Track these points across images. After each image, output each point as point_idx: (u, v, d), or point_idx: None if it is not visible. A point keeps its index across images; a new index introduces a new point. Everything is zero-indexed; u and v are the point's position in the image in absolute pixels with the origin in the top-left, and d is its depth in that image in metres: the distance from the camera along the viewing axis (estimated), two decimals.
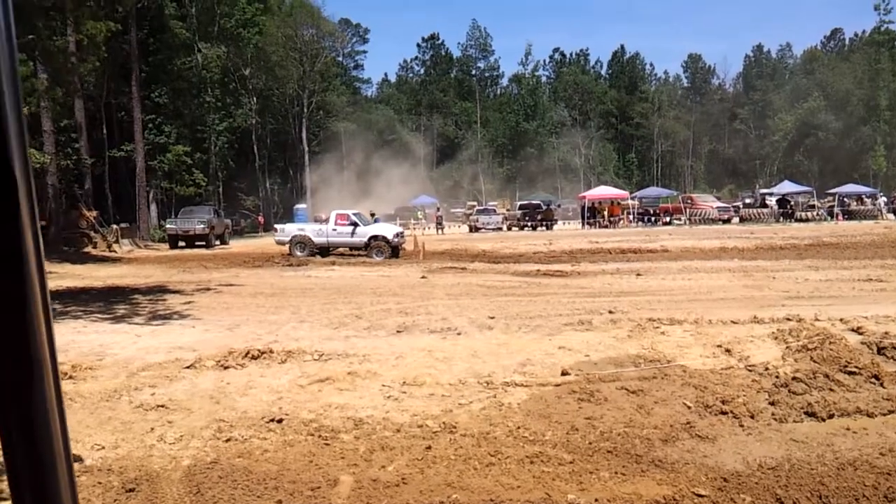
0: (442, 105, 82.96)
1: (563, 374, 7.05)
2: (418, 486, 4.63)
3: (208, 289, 15.45)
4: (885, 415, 6.01)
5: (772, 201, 45.90)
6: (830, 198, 47.15)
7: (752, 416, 5.90)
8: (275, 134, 64.96)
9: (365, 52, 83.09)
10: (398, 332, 9.59)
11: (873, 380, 6.75)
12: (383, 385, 6.87)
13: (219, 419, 5.98)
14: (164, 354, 8.42)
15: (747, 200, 50.87)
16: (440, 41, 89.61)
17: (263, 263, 22.06)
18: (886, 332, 8.43)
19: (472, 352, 8.10)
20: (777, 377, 6.80)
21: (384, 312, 11.24)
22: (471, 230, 39.80)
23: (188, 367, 7.69)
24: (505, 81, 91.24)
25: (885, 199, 48.75)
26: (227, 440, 5.51)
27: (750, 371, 7.11)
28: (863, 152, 68.90)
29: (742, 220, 42.38)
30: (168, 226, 33.97)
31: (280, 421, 5.90)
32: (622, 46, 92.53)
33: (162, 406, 6.35)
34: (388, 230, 24.68)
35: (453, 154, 77.72)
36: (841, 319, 9.35)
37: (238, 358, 7.88)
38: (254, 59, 54.38)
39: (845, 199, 46.67)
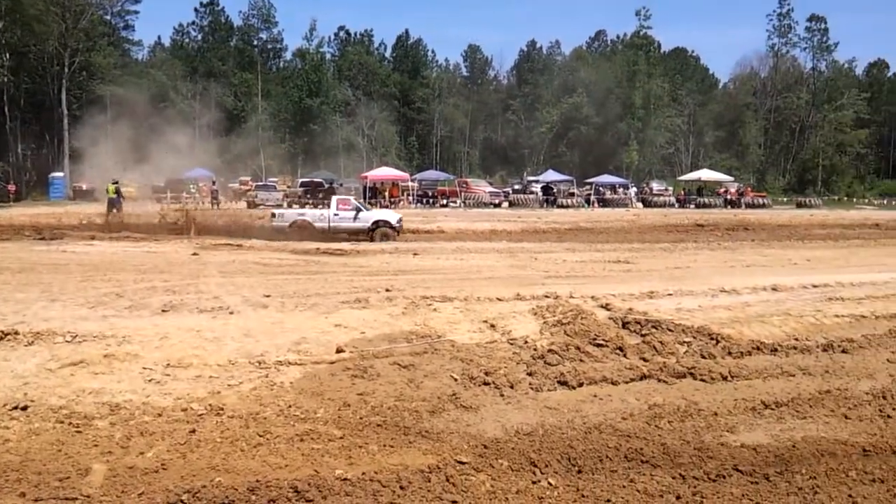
0: (221, 74, 79.12)
1: (338, 351, 7.07)
2: (179, 472, 4.43)
3: None
4: (627, 382, 6.66)
5: (537, 188, 49.11)
6: (588, 187, 51.40)
7: (512, 387, 6.29)
8: (30, 94, 58.33)
9: (137, 12, 76.71)
10: (164, 311, 9.02)
11: (618, 351, 7.45)
12: (145, 368, 6.45)
13: None
14: None
15: (516, 187, 53.97)
16: (220, 7, 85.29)
17: (12, 236, 19.82)
18: (630, 309, 9.33)
19: (244, 331, 7.85)
20: (535, 350, 7.29)
21: (149, 291, 10.52)
22: (249, 206, 38.47)
23: None
24: (289, 55, 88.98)
25: (635, 189, 54.14)
26: None
27: (511, 344, 7.56)
28: (618, 146, 75.59)
29: (511, 204, 44.86)
30: None
31: (25, 408, 5.36)
32: (406, 31, 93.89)
33: None
34: (391, 216, 23.75)
35: (233, 127, 74.50)
36: (592, 297, 10.18)
37: None
38: (8, 12, 48.35)
39: (601, 189, 51.11)
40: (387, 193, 42.57)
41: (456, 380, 6.33)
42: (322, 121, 75.14)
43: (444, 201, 45.46)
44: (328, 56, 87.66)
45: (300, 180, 48.33)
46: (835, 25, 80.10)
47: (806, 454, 5.13)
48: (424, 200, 45.09)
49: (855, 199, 63.83)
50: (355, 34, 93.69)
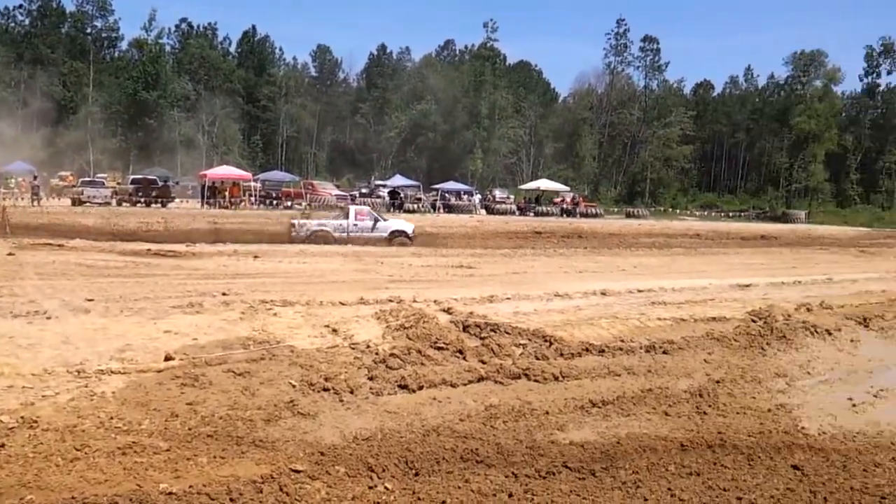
0: (49, 62, 73.38)
1: (167, 358, 6.69)
2: None
3: None
4: (465, 384, 6.76)
5: (384, 192, 49.25)
6: (435, 192, 52.21)
7: (352, 392, 6.22)
8: None
9: None
10: None
11: (458, 354, 7.57)
12: None
13: None
14: None
15: (363, 190, 53.89)
16: None
17: None
18: (471, 312, 9.52)
19: (63, 338, 7.27)
20: (377, 354, 7.25)
21: None
22: (74, 203, 35.80)
23: None
24: (125, 45, 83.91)
25: (479, 196, 55.53)
26: None
27: (353, 349, 7.49)
28: (464, 154, 77.22)
29: None
30: None
31: None
32: (253, 27, 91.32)
33: None
34: (406, 226, 24.39)
35: (61, 118, 69.26)
36: (435, 301, 10.32)
37: None
38: None
39: (447, 195, 52.07)
40: (227, 193, 40.89)
41: (294, 386, 6.17)
42: (159, 115, 71.45)
43: (289, 203, 44.47)
44: (168, 48, 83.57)
45: (132, 177, 45.47)
46: (666, 47, 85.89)
47: (629, 450, 5.42)
48: (268, 202, 43.84)
49: (679, 211, 68.79)
50: (198, 27, 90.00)
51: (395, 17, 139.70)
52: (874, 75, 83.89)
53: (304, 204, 38.18)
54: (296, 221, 22.81)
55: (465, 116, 77.18)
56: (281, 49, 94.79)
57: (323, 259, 16.33)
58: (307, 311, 9.25)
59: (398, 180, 54.47)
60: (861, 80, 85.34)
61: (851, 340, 10.02)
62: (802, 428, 6.26)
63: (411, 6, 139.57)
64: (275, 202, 43.84)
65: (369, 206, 36.00)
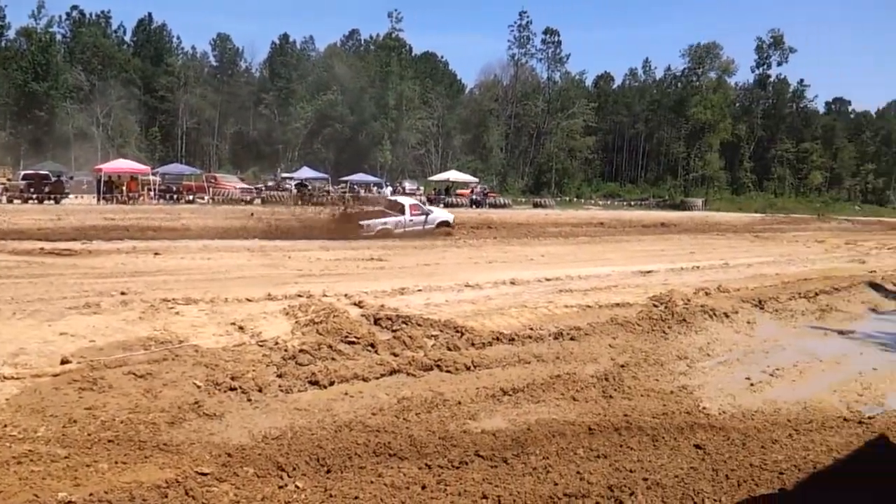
0: None
1: (64, 362, 6.36)
2: None
3: None
4: (378, 378, 6.73)
5: (291, 185, 48.43)
6: (343, 185, 51.72)
7: (261, 390, 6.08)
8: None
9: None
10: None
11: (370, 348, 7.52)
12: None
13: None
14: None
15: (269, 183, 52.84)
16: None
17: None
18: (382, 305, 9.48)
19: None
20: (286, 350, 7.13)
21: None
22: None
23: None
24: (12, 34, 79.17)
25: (390, 188, 55.32)
26: None
27: (261, 346, 7.33)
28: (373, 145, 76.77)
29: (264, 201, 43.80)
30: None
31: None
32: (149, 15, 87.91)
33: None
34: (448, 216, 27.48)
35: None
36: (345, 295, 10.23)
37: None
38: None
39: (356, 187, 51.68)
40: (124, 188, 39.21)
41: (199, 387, 5.98)
42: (50, 107, 67.96)
43: (191, 197, 43.11)
44: (58, 37, 79.43)
45: (22, 172, 43.07)
46: (567, 39, 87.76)
47: (539, 436, 5.50)
48: (168, 196, 42.32)
49: (583, 200, 70.62)
50: (91, 15, 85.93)
51: (296, 5, 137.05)
52: (765, 67, 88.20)
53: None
54: (364, 222, 23.96)
55: (372, 107, 76.72)
56: (179, 38, 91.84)
57: (228, 255, 15.88)
58: (212, 309, 8.98)
59: (306, 172, 53.68)
60: (752, 71, 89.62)
61: (748, 322, 10.52)
62: (704, 408, 6.51)
63: None
64: (175, 196, 42.40)
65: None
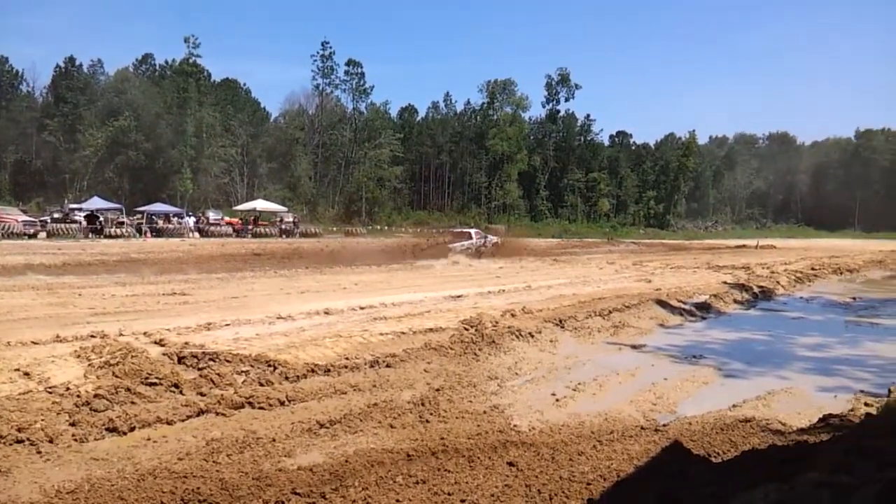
0: None
1: None
2: None
3: None
4: (183, 420, 6.36)
5: (80, 216, 44.85)
6: (140, 215, 48.70)
7: (52, 441, 5.56)
8: None
9: None
10: None
11: (174, 388, 7.09)
12: None
13: None
14: None
15: (56, 215, 48.54)
16: None
17: None
18: (186, 343, 8.99)
19: None
20: (79, 396, 6.56)
21: None
22: None
23: None
24: None
25: (193, 218, 52.78)
26: None
27: (51, 393, 6.68)
28: (171, 173, 72.98)
29: (50, 235, 40.21)
30: None
31: None
32: None
33: None
34: (496, 237, 37.16)
35: None
36: (145, 333, 9.60)
37: None
38: None
39: (154, 218, 48.82)
40: None
41: None
42: None
43: None
44: None
45: None
46: (370, 72, 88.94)
47: (358, 467, 5.43)
48: None
49: (394, 228, 71.47)
50: None
51: (80, 26, 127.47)
52: (554, 102, 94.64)
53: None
54: (451, 245, 31.98)
55: (169, 134, 73.06)
56: None
57: (8, 294, 14.38)
58: None
59: (97, 203, 49.98)
60: (543, 106, 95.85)
61: (551, 341, 11.11)
62: (515, 426, 6.76)
63: (101, 17, 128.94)
64: None
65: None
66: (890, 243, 63.98)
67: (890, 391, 7.72)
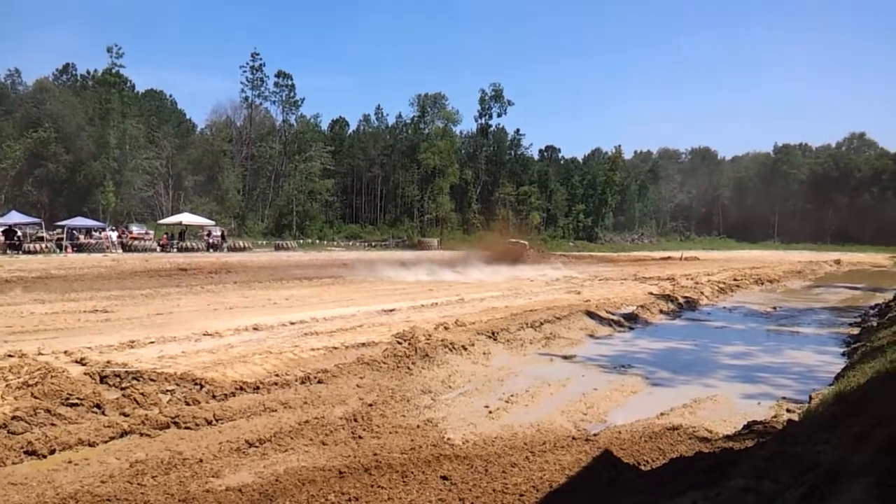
0: None
1: None
2: None
3: None
4: (106, 442, 6.15)
5: None
6: (60, 230, 46.99)
7: None
8: None
9: None
10: None
11: (96, 409, 6.85)
12: None
13: None
14: None
15: None
16: None
17: None
18: (109, 361, 8.70)
19: None
20: None
21: None
22: None
23: None
24: None
25: (116, 233, 51.14)
26: None
27: None
28: (93, 187, 70.65)
29: None
30: None
31: None
32: None
33: None
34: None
35: None
36: (65, 352, 9.26)
37: None
38: None
39: (75, 232, 47.16)
40: None
41: None
42: None
43: None
44: None
45: None
46: (300, 84, 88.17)
47: (289, 486, 5.34)
48: None
49: (326, 242, 70.83)
50: None
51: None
52: (487, 117, 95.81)
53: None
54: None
55: (91, 146, 70.77)
56: None
57: None
58: None
59: (14, 217, 47.96)
60: (476, 120, 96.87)
61: (484, 353, 11.17)
62: (448, 439, 6.76)
63: (18, 25, 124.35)
64: None
65: None
66: (808, 254, 67.04)
67: (811, 398, 8.02)
